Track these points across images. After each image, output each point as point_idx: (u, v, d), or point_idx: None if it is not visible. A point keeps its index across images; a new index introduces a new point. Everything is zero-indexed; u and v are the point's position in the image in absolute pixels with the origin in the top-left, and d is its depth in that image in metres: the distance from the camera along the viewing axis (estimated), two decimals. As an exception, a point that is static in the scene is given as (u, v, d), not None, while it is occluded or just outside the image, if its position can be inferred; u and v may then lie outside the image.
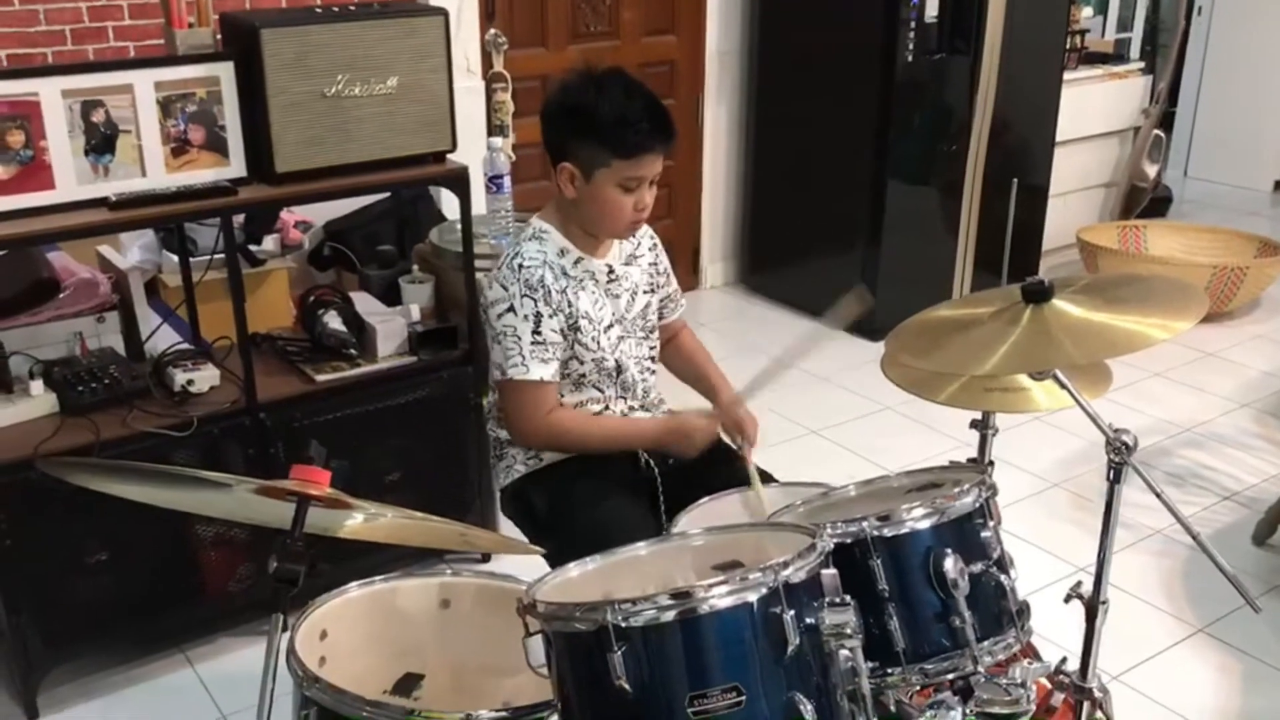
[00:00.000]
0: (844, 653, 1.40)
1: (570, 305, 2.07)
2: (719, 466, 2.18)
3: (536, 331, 2.04)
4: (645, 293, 2.23)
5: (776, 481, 2.18)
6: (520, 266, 2.05)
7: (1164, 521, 3.16)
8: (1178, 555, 3.07)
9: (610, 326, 2.15)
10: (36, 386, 2.48)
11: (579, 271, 2.11)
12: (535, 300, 2.03)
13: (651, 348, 2.27)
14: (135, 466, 1.52)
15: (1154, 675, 2.63)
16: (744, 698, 1.32)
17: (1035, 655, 2.10)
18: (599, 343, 2.12)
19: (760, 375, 2.13)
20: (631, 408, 2.22)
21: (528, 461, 2.19)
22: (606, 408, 2.19)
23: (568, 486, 2.14)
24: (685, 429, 2.14)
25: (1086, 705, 1.91)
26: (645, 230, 2.25)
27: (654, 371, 2.28)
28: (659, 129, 1.99)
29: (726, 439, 2.22)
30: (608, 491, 2.10)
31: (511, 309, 2.04)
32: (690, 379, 2.39)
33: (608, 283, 2.15)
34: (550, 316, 2.04)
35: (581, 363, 2.12)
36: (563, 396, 2.15)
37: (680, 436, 2.14)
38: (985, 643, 1.65)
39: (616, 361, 2.16)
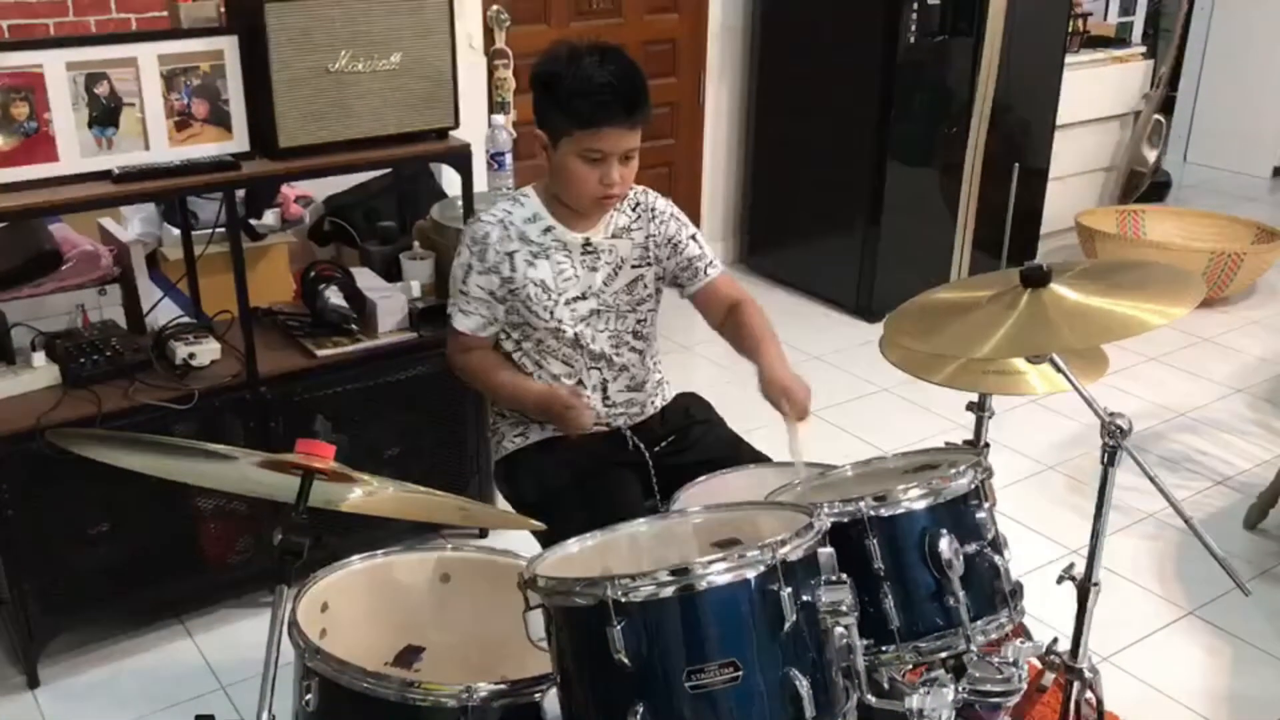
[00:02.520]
0: (839, 630, 1.43)
1: (513, 270, 2.10)
2: (710, 448, 2.20)
3: (464, 281, 2.11)
4: (634, 267, 2.19)
5: (770, 461, 2.19)
6: (478, 220, 2.11)
7: (1156, 505, 3.18)
8: (1169, 539, 3.09)
9: (580, 299, 2.14)
10: (39, 358, 2.49)
11: (546, 239, 2.12)
12: (472, 253, 2.10)
13: (639, 321, 2.21)
14: (141, 438, 1.53)
15: (1144, 657, 2.66)
16: (740, 673, 1.34)
17: (1027, 635, 2.12)
18: (553, 313, 2.12)
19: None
20: (605, 380, 2.20)
21: (514, 439, 2.21)
22: (580, 381, 2.18)
23: (550, 466, 2.16)
24: (554, 403, 2.04)
25: (1077, 685, 1.94)
26: (649, 202, 2.22)
27: (638, 350, 2.22)
28: (620, 102, 1.98)
29: (773, 406, 2.03)
30: (593, 472, 2.11)
31: (458, 254, 2.12)
32: (746, 353, 2.18)
33: (582, 255, 2.15)
34: (480, 273, 2.10)
35: (534, 329, 2.13)
36: (540, 366, 2.16)
37: (550, 411, 2.06)
38: (978, 622, 1.66)
39: (576, 334, 2.14)
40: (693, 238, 2.24)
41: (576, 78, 1.97)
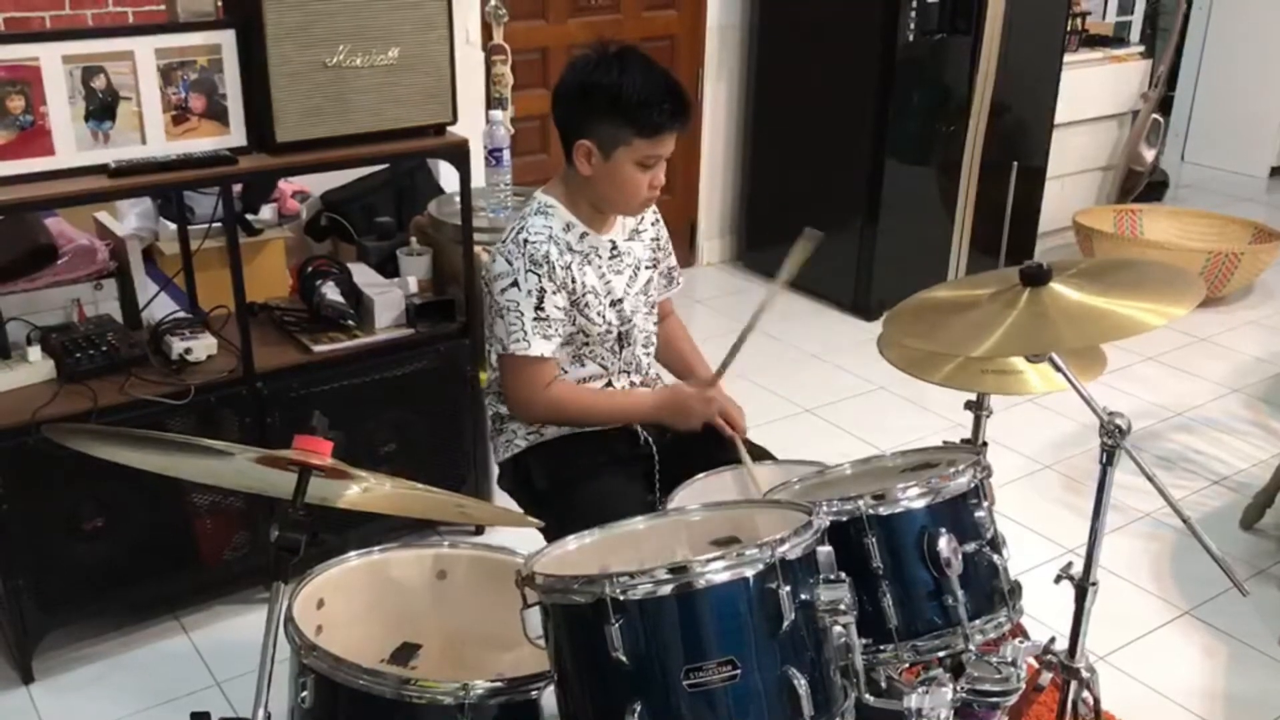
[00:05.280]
0: (838, 629, 1.42)
1: (574, 281, 2.08)
2: (716, 444, 2.19)
3: (539, 307, 2.04)
4: (648, 267, 2.24)
5: (773, 459, 2.20)
6: (525, 241, 2.05)
7: (1153, 505, 3.18)
8: (1166, 538, 3.09)
9: (619, 301, 2.16)
10: (34, 353, 2.48)
11: (584, 246, 2.11)
12: (539, 276, 2.03)
13: (654, 322, 2.28)
14: (136, 433, 1.52)
15: (1141, 656, 2.66)
16: (739, 671, 1.34)
17: (1025, 635, 2.12)
18: (605, 317, 2.13)
19: (730, 352, 2.12)
20: (634, 382, 2.23)
21: (528, 436, 2.20)
22: (609, 383, 2.20)
23: (567, 461, 2.15)
24: (682, 403, 2.15)
25: (1074, 684, 1.93)
26: None
27: (650, 347, 2.29)
28: (681, 108, 2.00)
29: (719, 425, 2.21)
30: (606, 467, 2.11)
31: (515, 284, 2.04)
32: (674, 366, 2.39)
33: (610, 258, 2.15)
34: (554, 293, 2.05)
35: (588, 336, 2.13)
36: (565, 372, 2.16)
37: (677, 410, 2.15)
38: (977, 621, 1.67)
39: (621, 334, 2.17)
40: (668, 243, 2.33)
41: (637, 87, 1.96)
